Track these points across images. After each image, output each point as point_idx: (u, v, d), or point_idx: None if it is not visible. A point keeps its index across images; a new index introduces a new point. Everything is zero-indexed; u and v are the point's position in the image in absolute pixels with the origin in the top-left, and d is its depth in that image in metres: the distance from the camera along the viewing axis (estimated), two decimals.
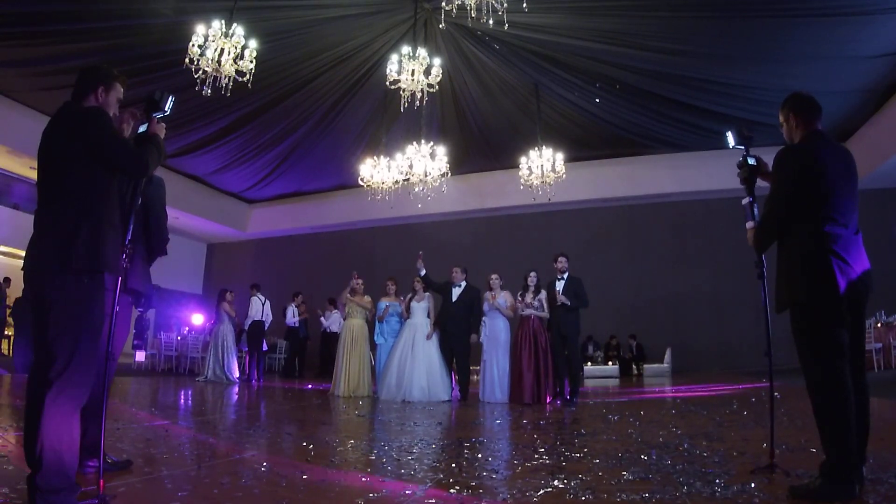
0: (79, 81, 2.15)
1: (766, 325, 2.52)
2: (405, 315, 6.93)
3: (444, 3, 6.09)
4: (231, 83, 6.74)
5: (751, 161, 2.53)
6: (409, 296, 6.99)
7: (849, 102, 9.44)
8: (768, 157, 2.54)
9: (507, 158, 11.79)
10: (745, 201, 2.52)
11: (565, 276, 6.28)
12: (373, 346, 7.32)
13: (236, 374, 9.04)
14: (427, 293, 6.93)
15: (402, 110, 7.83)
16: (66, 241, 1.91)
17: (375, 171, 9.93)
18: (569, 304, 6.13)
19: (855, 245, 2.18)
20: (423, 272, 6.85)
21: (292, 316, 10.64)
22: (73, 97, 2.14)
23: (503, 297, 6.57)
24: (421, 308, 6.82)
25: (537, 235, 13.01)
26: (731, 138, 2.68)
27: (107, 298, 2.07)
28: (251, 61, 6.75)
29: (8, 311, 9.82)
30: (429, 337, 6.66)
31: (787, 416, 4.13)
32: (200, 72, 6.46)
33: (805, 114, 2.35)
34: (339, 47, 8.75)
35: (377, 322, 7.14)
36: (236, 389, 7.79)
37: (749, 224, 2.47)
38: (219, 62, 6.49)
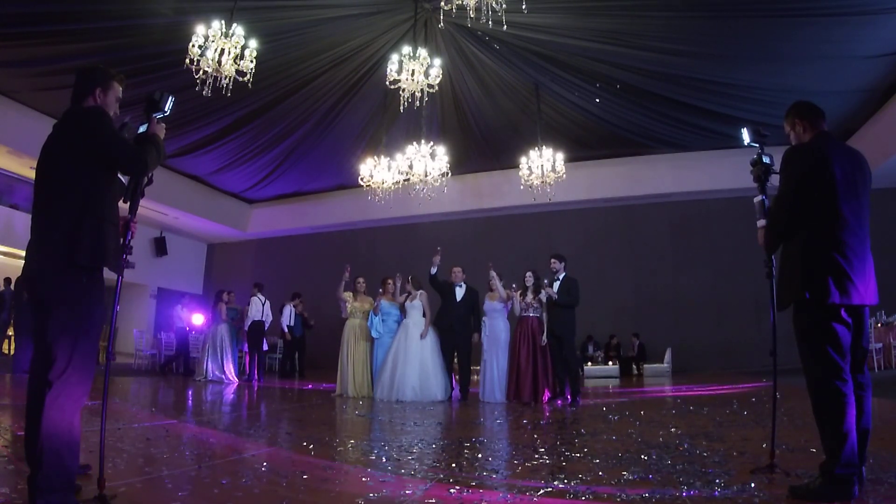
0: (76, 84, 2.16)
1: (773, 324, 2.51)
2: (398, 301, 6.96)
3: (443, 3, 6.08)
4: (231, 83, 6.74)
5: (765, 159, 2.53)
6: (404, 296, 6.98)
7: (849, 102, 9.43)
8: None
9: (507, 158, 11.78)
10: (756, 199, 2.51)
11: (561, 276, 6.29)
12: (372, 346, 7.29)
13: (232, 374, 9.03)
14: (420, 291, 6.93)
15: (402, 110, 7.83)
16: (70, 239, 1.92)
17: (375, 171, 9.93)
18: (555, 297, 6.11)
19: (860, 250, 2.15)
20: (434, 270, 6.83)
21: (288, 316, 10.62)
22: (72, 100, 2.15)
23: (501, 287, 6.60)
24: (415, 308, 6.81)
25: (537, 235, 13.01)
26: (745, 136, 2.66)
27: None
28: (251, 61, 6.75)
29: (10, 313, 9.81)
30: (423, 336, 6.66)
31: (787, 416, 4.13)
32: (201, 72, 6.46)
33: (811, 117, 2.35)
34: (339, 47, 8.74)
35: (372, 314, 7.09)
36: (235, 389, 7.79)
37: (761, 222, 2.44)
38: (219, 62, 6.48)
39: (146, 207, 12.43)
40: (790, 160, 2.25)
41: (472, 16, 5.95)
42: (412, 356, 6.54)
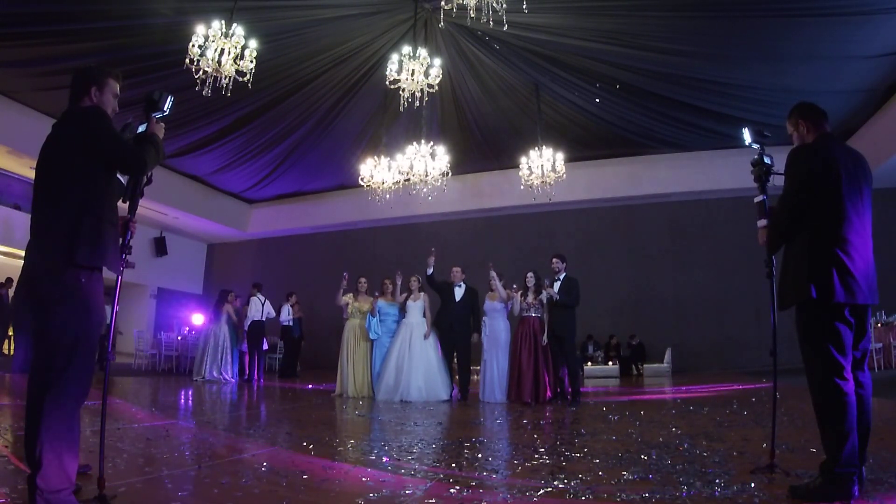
0: (72, 84, 2.16)
1: (773, 324, 2.51)
2: (398, 300, 6.93)
3: (443, 3, 6.08)
4: (231, 83, 6.74)
5: (766, 160, 2.53)
6: (405, 296, 6.97)
7: (849, 102, 9.43)
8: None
9: (508, 158, 11.78)
10: (757, 199, 2.51)
11: (561, 276, 6.28)
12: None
13: (230, 374, 9.02)
14: (423, 293, 6.92)
15: (402, 110, 7.83)
16: (69, 238, 1.93)
17: (376, 171, 9.92)
18: (556, 297, 6.11)
19: (864, 250, 2.15)
20: (430, 271, 6.83)
21: (287, 315, 10.61)
22: (70, 100, 2.15)
23: (501, 287, 6.61)
24: (417, 307, 6.80)
25: (537, 235, 13.01)
26: (747, 136, 2.66)
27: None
28: (251, 61, 6.75)
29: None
30: (426, 336, 6.65)
31: (787, 415, 4.13)
32: (201, 72, 6.46)
33: (814, 118, 2.35)
34: (339, 47, 8.74)
35: (369, 316, 7.07)
36: (236, 389, 7.79)
37: (761, 223, 2.44)
38: (219, 62, 6.48)
39: (146, 207, 12.44)
40: (795, 160, 2.25)
41: (472, 16, 5.95)
42: (417, 356, 6.53)
